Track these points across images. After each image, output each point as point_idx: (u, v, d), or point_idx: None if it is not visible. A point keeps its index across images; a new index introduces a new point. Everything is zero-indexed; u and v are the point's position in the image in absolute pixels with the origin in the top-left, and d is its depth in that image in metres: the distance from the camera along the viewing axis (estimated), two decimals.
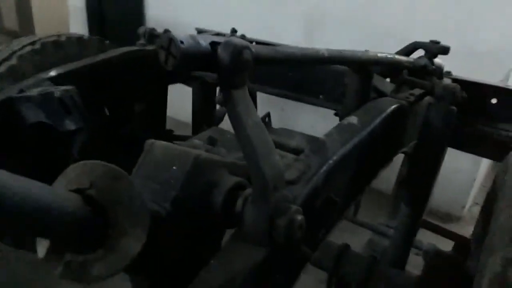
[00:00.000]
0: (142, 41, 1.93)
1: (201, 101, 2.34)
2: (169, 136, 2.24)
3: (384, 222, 1.69)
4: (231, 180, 0.69)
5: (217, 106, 2.40)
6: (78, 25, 4.77)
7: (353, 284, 1.30)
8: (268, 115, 1.27)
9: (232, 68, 0.59)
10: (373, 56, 0.95)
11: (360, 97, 1.26)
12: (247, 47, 0.61)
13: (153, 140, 0.74)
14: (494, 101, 1.65)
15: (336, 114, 1.42)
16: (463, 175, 2.70)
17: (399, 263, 1.41)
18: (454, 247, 1.37)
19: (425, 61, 1.14)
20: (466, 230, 2.70)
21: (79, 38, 1.92)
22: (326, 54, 0.77)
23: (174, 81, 2.09)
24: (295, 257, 0.80)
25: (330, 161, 0.92)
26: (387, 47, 1.66)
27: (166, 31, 1.30)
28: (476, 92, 1.66)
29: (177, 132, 2.28)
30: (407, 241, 1.39)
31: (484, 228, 1.35)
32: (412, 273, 1.28)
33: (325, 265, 1.36)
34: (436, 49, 1.17)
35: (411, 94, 1.26)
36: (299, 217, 0.64)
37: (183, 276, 0.68)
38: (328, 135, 1.00)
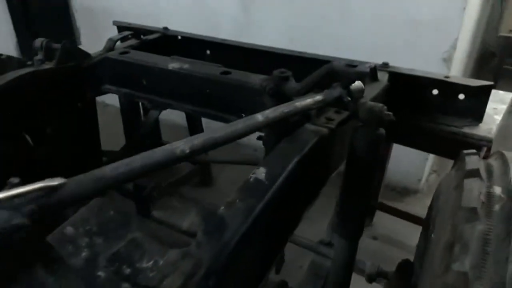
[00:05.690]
0: (39, 56, 1.67)
1: (128, 110, 2.12)
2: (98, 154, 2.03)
3: (326, 240, 1.58)
4: None
5: (142, 116, 2.19)
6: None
7: None
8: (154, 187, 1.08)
9: None
10: (268, 115, 0.77)
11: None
12: None
13: None
14: (435, 92, 1.52)
15: (259, 138, 1.25)
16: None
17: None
18: (398, 267, 1.28)
19: (339, 91, 0.96)
20: (424, 202, 2.66)
21: None
22: (187, 150, 0.59)
23: (98, 93, 1.81)
24: None
25: (230, 245, 0.77)
26: None
27: None
28: (414, 85, 1.52)
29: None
30: (347, 268, 1.28)
31: (425, 246, 1.26)
32: None
33: None
34: (352, 74, 0.99)
35: (330, 119, 1.10)
36: None
37: None
38: (229, 204, 0.83)
